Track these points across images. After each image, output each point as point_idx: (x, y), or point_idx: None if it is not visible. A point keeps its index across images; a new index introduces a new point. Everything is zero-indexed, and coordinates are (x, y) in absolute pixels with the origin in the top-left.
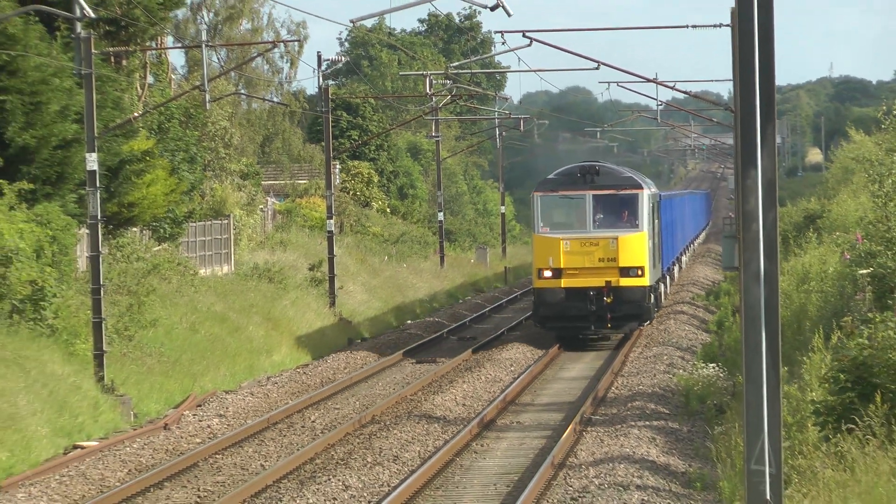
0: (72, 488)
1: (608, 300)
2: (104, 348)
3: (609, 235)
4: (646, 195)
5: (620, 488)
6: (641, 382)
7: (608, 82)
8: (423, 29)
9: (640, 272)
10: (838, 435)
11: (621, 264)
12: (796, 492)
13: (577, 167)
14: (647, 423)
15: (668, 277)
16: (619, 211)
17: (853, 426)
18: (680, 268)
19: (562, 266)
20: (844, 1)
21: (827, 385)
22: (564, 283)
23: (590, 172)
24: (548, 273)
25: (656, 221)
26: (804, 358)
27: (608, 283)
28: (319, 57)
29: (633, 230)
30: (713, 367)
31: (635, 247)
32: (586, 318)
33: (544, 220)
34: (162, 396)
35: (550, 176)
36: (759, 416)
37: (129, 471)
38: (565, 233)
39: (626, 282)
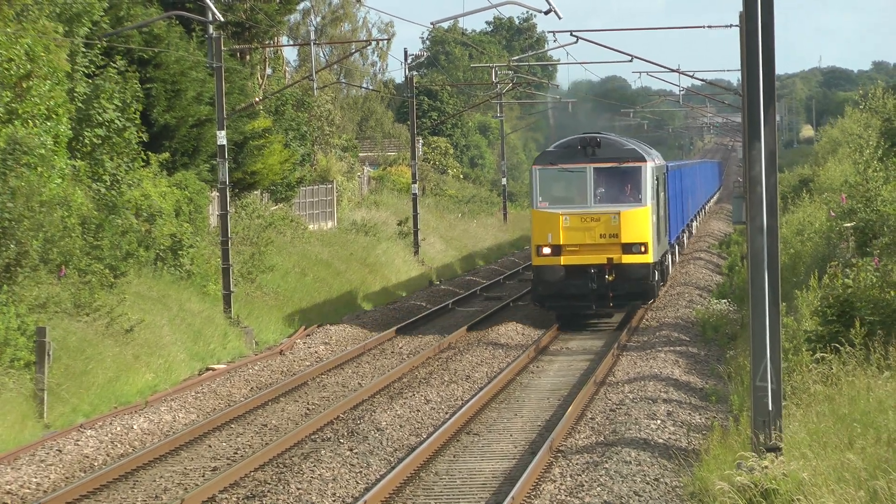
0: (204, 402)
1: (610, 278)
2: (231, 289)
3: (611, 210)
4: (649, 168)
5: (650, 401)
6: (667, 315)
7: (640, 72)
8: (490, 29)
9: (643, 248)
10: (826, 357)
11: (624, 240)
12: (792, 403)
13: (578, 139)
14: (672, 348)
15: (676, 247)
16: (622, 184)
17: (838, 348)
18: (690, 234)
19: (561, 243)
20: (826, 2)
21: (817, 317)
22: (564, 260)
23: (591, 144)
24: (547, 250)
25: (662, 194)
26: (799, 294)
27: (610, 260)
28: (406, 52)
29: (636, 205)
30: (725, 303)
31: (638, 222)
32: (587, 297)
33: (543, 194)
34: (278, 328)
35: (550, 148)
36: (763, 342)
37: (252, 388)
38: (565, 208)
39: (628, 259)
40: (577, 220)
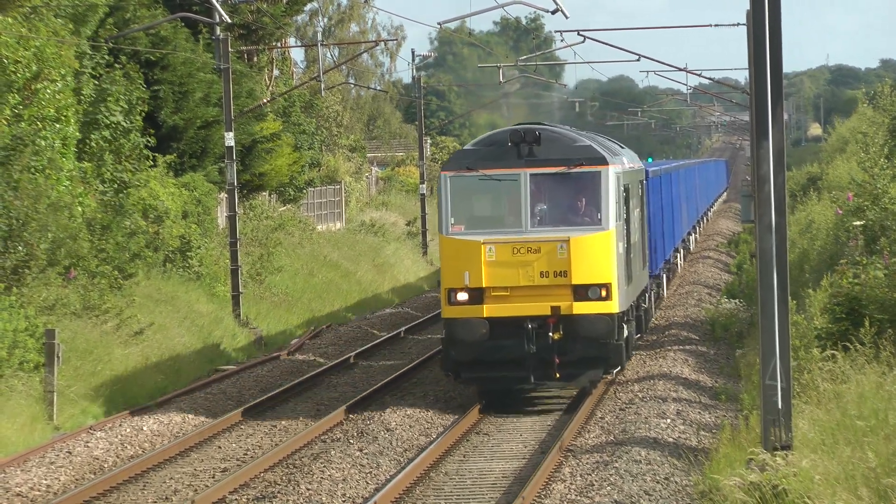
0: (214, 403)
1: (556, 336)
2: (240, 290)
3: (556, 237)
4: (612, 173)
5: (660, 400)
6: (676, 314)
7: (647, 71)
8: (497, 30)
9: (604, 292)
10: (835, 355)
11: (575, 281)
12: (801, 402)
13: (508, 132)
14: (681, 347)
15: (663, 276)
16: (573, 198)
17: (848, 345)
18: (696, 237)
19: (484, 285)
20: (832, 1)
21: (826, 315)
22: (489, 310)
23: (527, 140)
24: (463, 296)
25: (637, 210)
26: (808, 292)
27: (556, 310)
28: (413, 53)
29: (593, 228)
30: (735, 302)
31: (597, 253)
32: (523, 365)
33: (457, 214)
34: (286, 328)
35: (468, 146)
36: (772, 340)
37: (262, 388)
38: (489, 233)
39: (582, 308)
40: (508, 252)
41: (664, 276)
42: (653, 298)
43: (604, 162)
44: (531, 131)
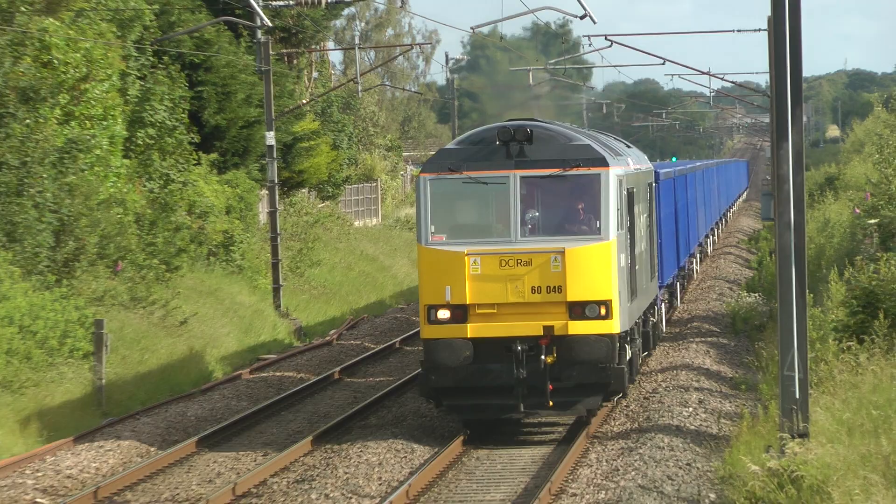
0: (255, 390)
1: (549, 360)
2: (280, 283)
3: (550, 248)
4: (613, 176)
5: (682, 390)
6: (698, 308)
7: (672, 74)
8: (528, 34)
9: (603, 310)
10: (851, 347)
11: (571, 297)
12: (818, 392)
13: (497, 128)
14: (703, 339)
15: (677, 285)
16: (569, 204)
17: (864, 338)
18: (701, 254)
19: (468, 301)
20: (850, 8)
21: (843, 308)
22: (473, 330)
23: (517, 139)
24: (444, 314)
25: (643, 217)
26: (825, 287)
27: (548, 330)
28: (447, 56)
29: (591, 238)
30: (754, 296)
31: (596, 266)
32: (511, 392)
33: (437, 221)
34: (325, 319)
35: (451, 144)
36: (790, 333)
37: (301, 376)
38: (474, 243)
39: (579, 327)
40: (495, 265)
41: (678, 284)
42: (663, 311)
43: (604, 163)
44: (522, 128)
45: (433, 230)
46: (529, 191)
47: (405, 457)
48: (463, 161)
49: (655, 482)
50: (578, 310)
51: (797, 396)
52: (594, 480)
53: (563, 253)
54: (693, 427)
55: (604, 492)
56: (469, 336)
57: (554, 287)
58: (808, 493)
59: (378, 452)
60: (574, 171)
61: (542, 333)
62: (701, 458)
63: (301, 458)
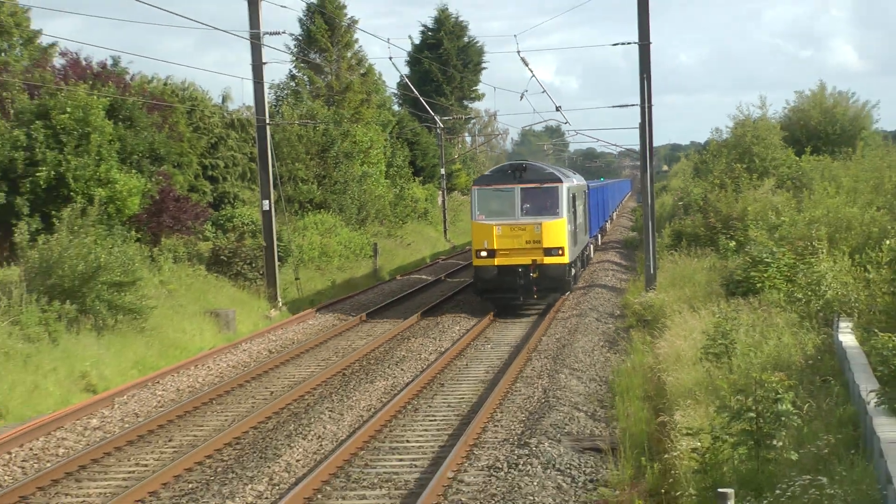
0: (404, 285)
1: (534, 275)
2: (447, 227)
3: (534, 222)
4: (564, 187)
5: (606, 270)
6: (611, 238)
7: (603, 141)
8: (541, 127)
9: (560, 252)
10: (672, 253)
11: (545, 245)
12: (660, 272)
13: (509, 165)
14: (614, 250)
15: (598, 237)
16: (543, 201)
17: (676, 250)
18: (607, 227)
19: (495, 247)
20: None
21: (669, 238)
22: (498, 261)
23: (518, 169)
24: (484, 253)
25: (580, 207)
26: (662, 230)
27: (534, 261)
28: (512, 141)
29: (554, 217)
30: (635, 233)
31: (556, 231)
32: (516, 290)
33: (480, 209)
34: (460, 244)
35: (486, 173)
36: (649, 247)
37: (424, 277)
38: (498, 220)
39: (549, 260)
40: (508, 230)
41: (598, 236)
42: (591, 247)
43: (560, 181)
44: (520, 165)
45: (479, 213)
46: (525, 195)
47: (467, 320)
48: (493, 180)
49: (599, 301)
50: (549, 251)
51: (651, 273)
52: (570, 306)
53: (541, 224)
54: (610, 285)
55: (575, 309)
56: (496, 264)
57: (536, 241)
58: (657, 310)
59: (455, 318)
60: (546, 185)
61: (531, 263)
62: (614, 296)
63: (416, 323)
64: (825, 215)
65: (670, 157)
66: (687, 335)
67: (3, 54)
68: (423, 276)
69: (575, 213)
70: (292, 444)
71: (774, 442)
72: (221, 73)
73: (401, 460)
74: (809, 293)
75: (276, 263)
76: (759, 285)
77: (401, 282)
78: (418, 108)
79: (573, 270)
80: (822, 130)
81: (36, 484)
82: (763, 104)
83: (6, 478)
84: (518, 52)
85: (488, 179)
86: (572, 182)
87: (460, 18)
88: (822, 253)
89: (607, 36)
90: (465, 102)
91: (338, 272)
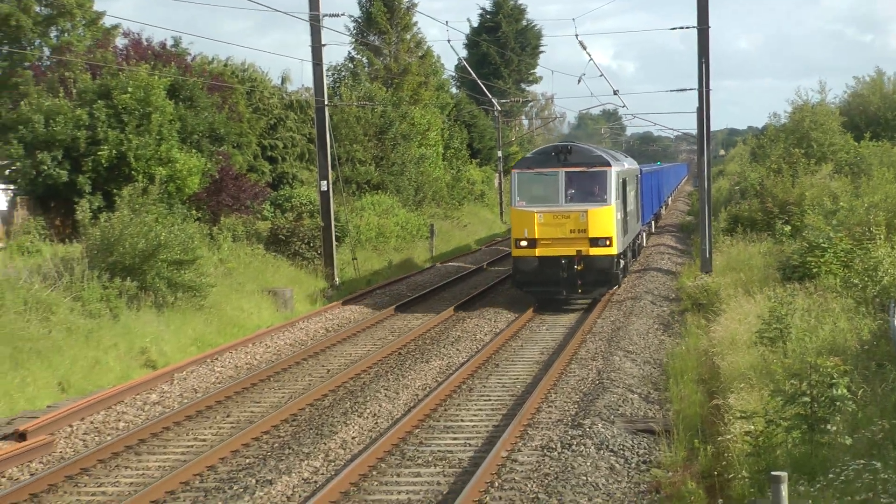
0: (447, 271)
1: (579, 268)
2: (503, 210)
3: (580, 209)
4: (613, 172)
5: (661, 254)
6: (668, 221)
7: (658, 125)
8: (598, 110)
9: (608, 242)
10: (729, 239)
11: (591, 235)
12: (715, 255)
13: (552, 147)
14: (670, 234)
15: (651, 224)
16: (590, 186)
17: (734, 233)
18: (662, 213)
19: (536, 237)
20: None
21: (725, 223)
22: (539, 252)
23: (562, 152)
24: (524, 243)
25: (631, 194)
26: (718, 213)
27: (579, 252)
28: (569, 124)
29: (601, 204)
30: (691, 217)
31: (604, 219)
32: (558, 284)
33: (521, 194)
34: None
35: (528, 155)
36: (706, 231)
37: (463, 265)
38: (540, 206)
39: (595, 251)
40: (550, 217)
41: (652, 222)
42: (643, 236)
43: (608, 164)
44: (565, 146)
45: (519, 199)
46: (569, 179)
47: (507, 315)
48: (535, 164)
49: (650, 289)
50: (595, 242)
51: (707, 257)
52: (625, 289)
53: (587, 212)
54: (665, 268)
55: (630, 292)
56: (537, 255)
57: (582, 230)
58: (712, 294)
59: (494, 312)
60: (593, 169)
61: (575, 254)
62: (669, 279)
63: (451, 316)
64: (883, 201)
65: (727, 142)
66: (742, 319)
67: (66, 35)
68: (479, 258)
69: (625, 199)
70: (348, 422)
71: (828, 426)
72: (281, 55)
73: (455, 439)
74: (866, 279)
75: (334, 243)
76: (815, 270)
77: (457, 264)
78: (476, 90)
79: (622, 262)
80: (881, 116)
81: (97, 456)
82: (822, 89)
83: (68, 450)
84: (576, 35)
85: (529, 162)
86: (622, 166)
87: (518, 2)
88: (880, 239)
89: (664, 20)
90: (523, 85)
91: (395, 252)
